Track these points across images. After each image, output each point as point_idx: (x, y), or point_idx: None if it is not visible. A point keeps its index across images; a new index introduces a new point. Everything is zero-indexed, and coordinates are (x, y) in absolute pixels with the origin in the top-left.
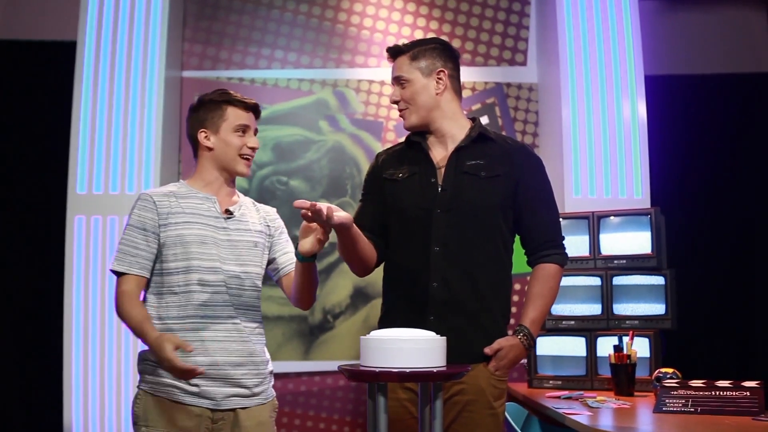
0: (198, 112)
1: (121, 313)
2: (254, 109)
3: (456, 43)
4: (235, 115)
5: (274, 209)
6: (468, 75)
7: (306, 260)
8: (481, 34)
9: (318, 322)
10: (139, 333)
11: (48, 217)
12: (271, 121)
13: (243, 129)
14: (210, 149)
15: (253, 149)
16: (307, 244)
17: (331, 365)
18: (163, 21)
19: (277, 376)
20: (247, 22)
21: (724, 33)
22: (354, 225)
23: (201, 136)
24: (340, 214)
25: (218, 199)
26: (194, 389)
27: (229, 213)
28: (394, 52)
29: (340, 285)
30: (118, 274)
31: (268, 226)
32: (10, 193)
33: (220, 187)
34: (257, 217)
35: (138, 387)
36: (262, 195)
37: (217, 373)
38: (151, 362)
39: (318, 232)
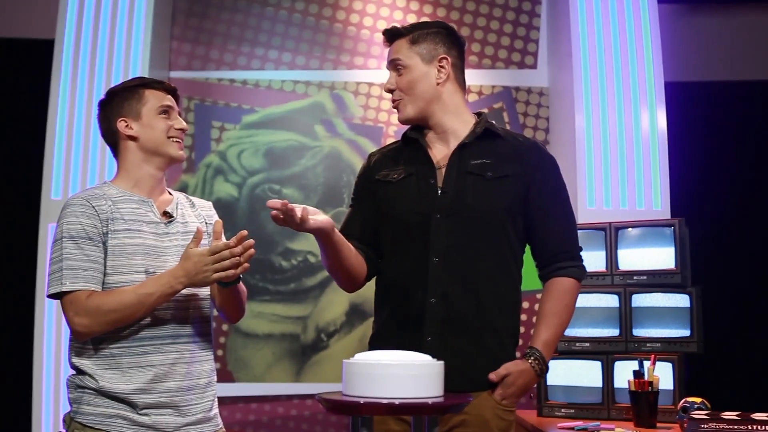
0: (112, 103)
1: (105, 317)
2: (173, 92)
3: None
4: (155, 98)
5: (210, 203)
6: (474, 78)
7: (227, 286)
8: (488, 35)
9: (311, 341)
10: (148, 299)
11: (20, 224)
12: (263, 125)
13: (166, 110)
14: (133, 138)
15: (182, 130)
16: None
17: (325, 388)
18: (149, 18)
19: (267, 399)
20: (239, 20)
21: (746, 38)
22: (335, 231)
23: (121, 125)
24: (318, 218)
25: (154, 201)
26: (146, 420)
27: (168, 216)
28: (392, 35)
29: (335, 301)
30: (63, 296)
31: (206, 223)
32: None
33: (153, 187)
34: (194, 214)
35: (71, 419)
36: (253, 204)
37: (168, 401)
38: (91, 389)
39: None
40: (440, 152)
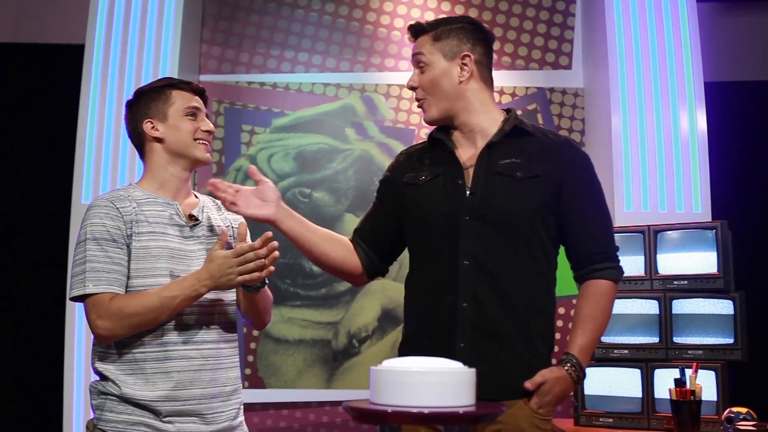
0: (138, 104)
1: (128, 320)
2: (201, 93)
3: (495, 46)
4: (182, 98)
5: None
6: (508, 79)
7: (252, 289)
8: (521, 36)
9: (342, 347)
10: (172, 302)
11: (51, 228)
12: (294, 128)
13: (193, 112)
14: (159, 140)
15: (209, 132)
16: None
17: (357, 394)
18: (178, 21)
19: (298, 405)
20: (269, 22)
21: None
22: (287, 221)
23: (147, 126)
24: (260, 212)
25: (179, 204)
26: (170, 428)
27: (193, 219)
28: (416, 31)
29: (367, 307)
30: (85, 298)
31: (232, 227)
32: (13, 202)
33: (178, 189)
34: (221, 218)
35: (95, 426)
36: None
37: (192, 409)
38: (114, 396)
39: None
40: (467, 152)
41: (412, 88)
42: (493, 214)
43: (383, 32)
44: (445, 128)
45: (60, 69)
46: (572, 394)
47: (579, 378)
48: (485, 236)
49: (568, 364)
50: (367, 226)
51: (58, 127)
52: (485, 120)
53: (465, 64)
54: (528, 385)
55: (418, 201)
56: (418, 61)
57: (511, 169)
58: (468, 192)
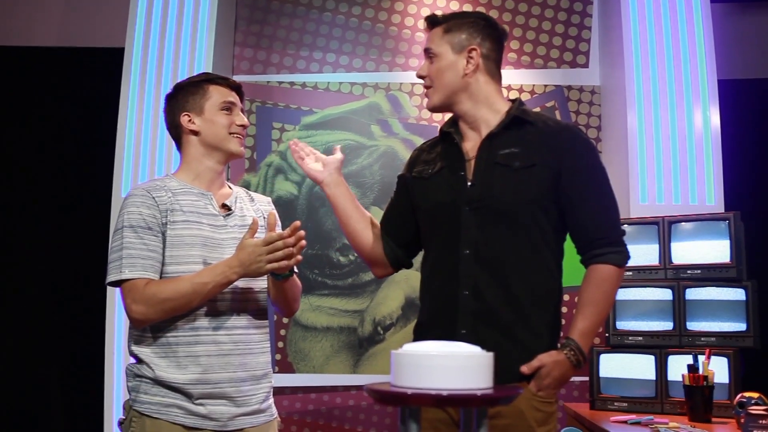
0: (177, 97)
1: (162, 305)
2: (237, 89)
3: (514, 45)
4: (218, 93)
5: (269, 198)
6: (527, 77)
7: (281, 278)
8: (540, 35)
9: (368, 334)
10: (204, 288)
11: (92, 223)
12: (322, 125)
13: (229, 107)
14: (196, 133)
15: (243, 126)
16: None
17: (381, 379)
18: (212, 25)
19: (325, 389)
20: (298, 25)
21: None
22: (335, 189)
23: (184, 119)
24: (315, 167)
25: (213, 195)
26: (201, 410)
27: (226, 208)
28: (430, 22)
29: (391, 296)
30: (121, 283)
31: (264, 218)
32: (56, 199)
33: (212, 180)
34: (253, 209)
35: (130, 407)
36: (312, 202)
37: (223, 392)
38: (148, 379)
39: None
40: (471, 144)
41: (421, 77)
42: (492, 205)
43: (407, 33)
44: (455, 122)
45: (101, 71)
46: (587, 379)
47: (579, 362)
48: (485, 226)
49: (567, 348)
50: (388, 219)
51: (100, 126)
52: (489, 112)
53: (471, 58)
54: (524, 369)
55: (423, 194)
56: (428, 52)
57: (510, 159)
58: (469, 183)
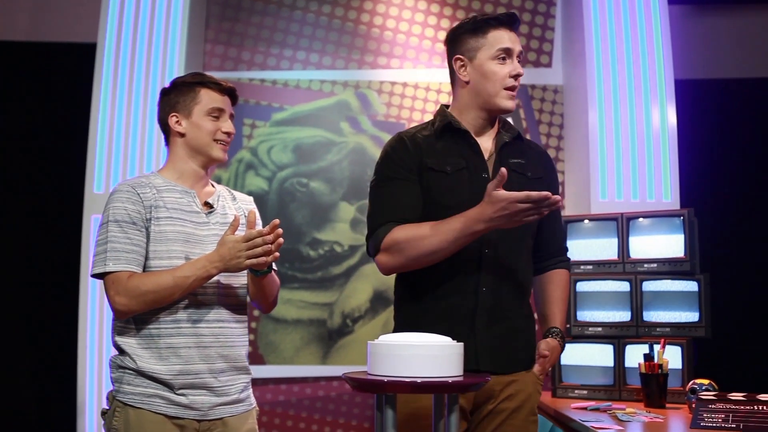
0: (169, 96)
1: (144, 297)
2: (230, 93)
3: None
4: (208, 98)
5: (251, 198)
6: None
7: (260, 274)
8: None
9: (337, 326)
10: (185, 281)
11: (65, 217)
12: (292, 122)
13: (217, 113)
14: (181, 135)
15: (229, 134)
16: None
17: (350, 370)
18: (184, 21)
19: (295, 381)
20: (269, 23)
21: (752, 37)
22: None
23: (172, 120)
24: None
25: (197, 193)
26: (183, 400)
27: (209, 206)
28: (514, 22)
29: (359, 289)
30: (105, 275)
31: (244, 215)
32: (28, 192)
33: (196, 179)
34: (235, 207)
35: (114, 398)
36: (282, 197)
37: (203, 382)
38: (131, 370)
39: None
40: (484, 145)
41: (518, 75)
42: None
43: (376, 32)
44: (452, 117)
45: (73, 66)
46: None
47: (563, 346)
48: (503, 228)
49: (558, 336)
50: (409, 206)
51: (72, 121)
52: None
53: None
54: (544, 352)
55: (444, 190)
56: (521, 54)
57: (522, 168)
58: None
